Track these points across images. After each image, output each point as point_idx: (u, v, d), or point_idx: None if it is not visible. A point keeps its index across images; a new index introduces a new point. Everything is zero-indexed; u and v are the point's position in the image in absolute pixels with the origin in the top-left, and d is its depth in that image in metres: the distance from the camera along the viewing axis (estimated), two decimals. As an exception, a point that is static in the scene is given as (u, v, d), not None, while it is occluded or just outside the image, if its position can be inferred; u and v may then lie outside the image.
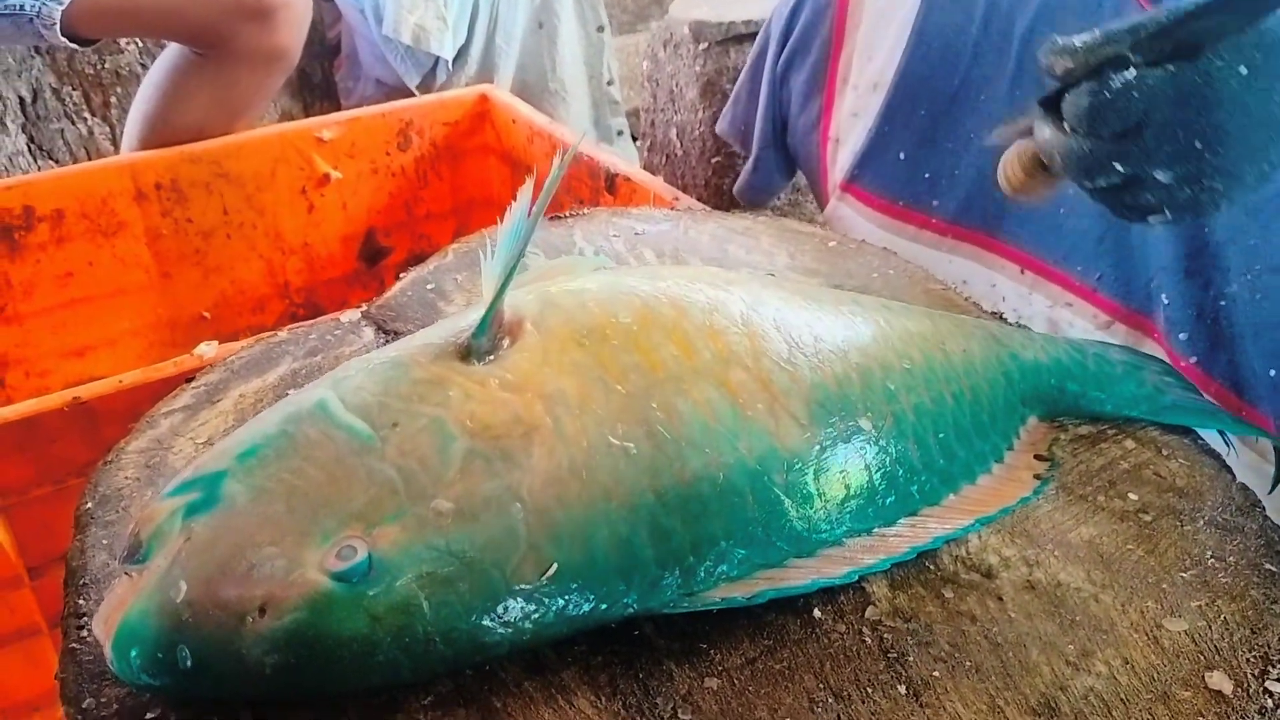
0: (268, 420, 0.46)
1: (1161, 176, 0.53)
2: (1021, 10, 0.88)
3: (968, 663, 0.46)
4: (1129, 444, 0.60)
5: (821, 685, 0.45)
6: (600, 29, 2.06)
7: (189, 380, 0.67)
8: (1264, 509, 0.55)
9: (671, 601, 0.45)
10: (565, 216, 0.84)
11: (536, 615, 0.43)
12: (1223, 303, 0.77)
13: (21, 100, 1.72)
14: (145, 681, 0.41)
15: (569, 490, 0.44)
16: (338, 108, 2.12)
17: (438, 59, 1.93)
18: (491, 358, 0.47)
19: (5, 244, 1.19)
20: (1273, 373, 0.75)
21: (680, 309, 0.50)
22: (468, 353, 0.47)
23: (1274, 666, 0.46)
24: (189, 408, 0.64)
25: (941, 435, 0.53)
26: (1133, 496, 0.56)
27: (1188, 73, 0.53)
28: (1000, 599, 0.49)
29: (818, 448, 0.48)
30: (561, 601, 0.43)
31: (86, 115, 1.74)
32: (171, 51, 1.25)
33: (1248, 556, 0.52)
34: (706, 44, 1.30)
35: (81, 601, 0.51)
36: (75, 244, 1.23)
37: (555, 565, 0.43)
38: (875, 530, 0.50)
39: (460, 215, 1.47)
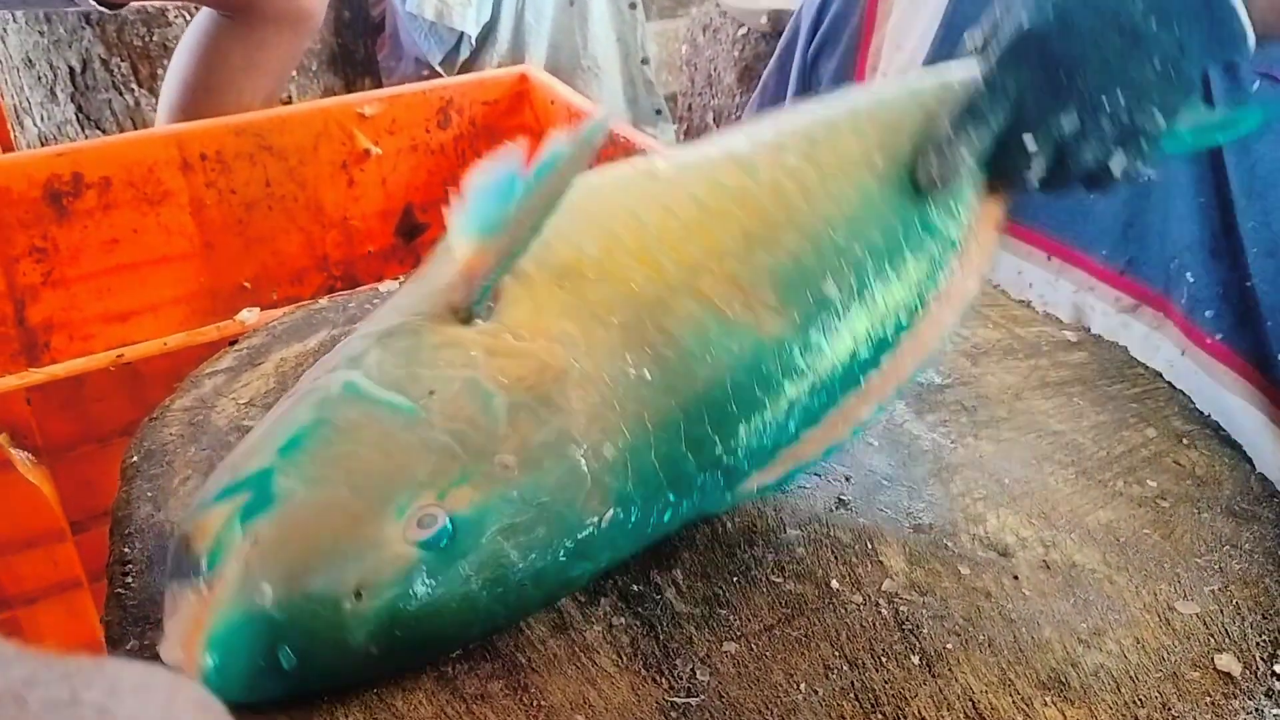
0: (296, 411, 0.45)
1: (1067, 124, 0.53)
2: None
3: (981, 636, 0.47)
4: (1150, 432, 0.60)
5: (837, 653, 0.46)
6: (633, 6, 2.06)
7: (232, 343, 0.69)
8: (1281, 499, 0.56)
9: (715, 500, 0.49)
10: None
11: (609, 541, 0.46)
12: (1248, 282, 0.78)
13: (71, 70, 1.75)
14: (246, 692, 0.40)
15: (611, 423, 0.46)
16: (379, 84, 2.14)
17: (461, 35, 1.94)
18: (483, 313, 0.48)
19: (54, 210, 1.22)
20: None
21: (634, 224, 0.51)
22: (469, 316, 0.48)
23: (1283, 651, 0.47)
24: (232, 369, 0.66)
25: (900, 262, 0.53)
26: (1151, 483, 0.56)
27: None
28: (1016, 577, 0.50)
29: (795, 326, 0.51)
30: (628, 524, 0.46)
31: (134, 86, 1.77)
32: (202, 16, 1.28)
33: (1263, 544, 0.53)
34: (746, 30, 1.30)
35: (126, 550, 0.53)
36: (121, 211, 1.26)
37: (614, 490, 0.45)
38: (868, 376, 0.53)
39: (497, 194, 1.48)
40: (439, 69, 2.02)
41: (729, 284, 0.50)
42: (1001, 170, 0.55)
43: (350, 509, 0.42)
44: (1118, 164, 0.54)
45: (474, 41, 1.98)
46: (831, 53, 1.05)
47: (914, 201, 0.54)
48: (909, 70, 0.96)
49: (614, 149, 1.24)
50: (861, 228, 0.53)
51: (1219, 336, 0.78)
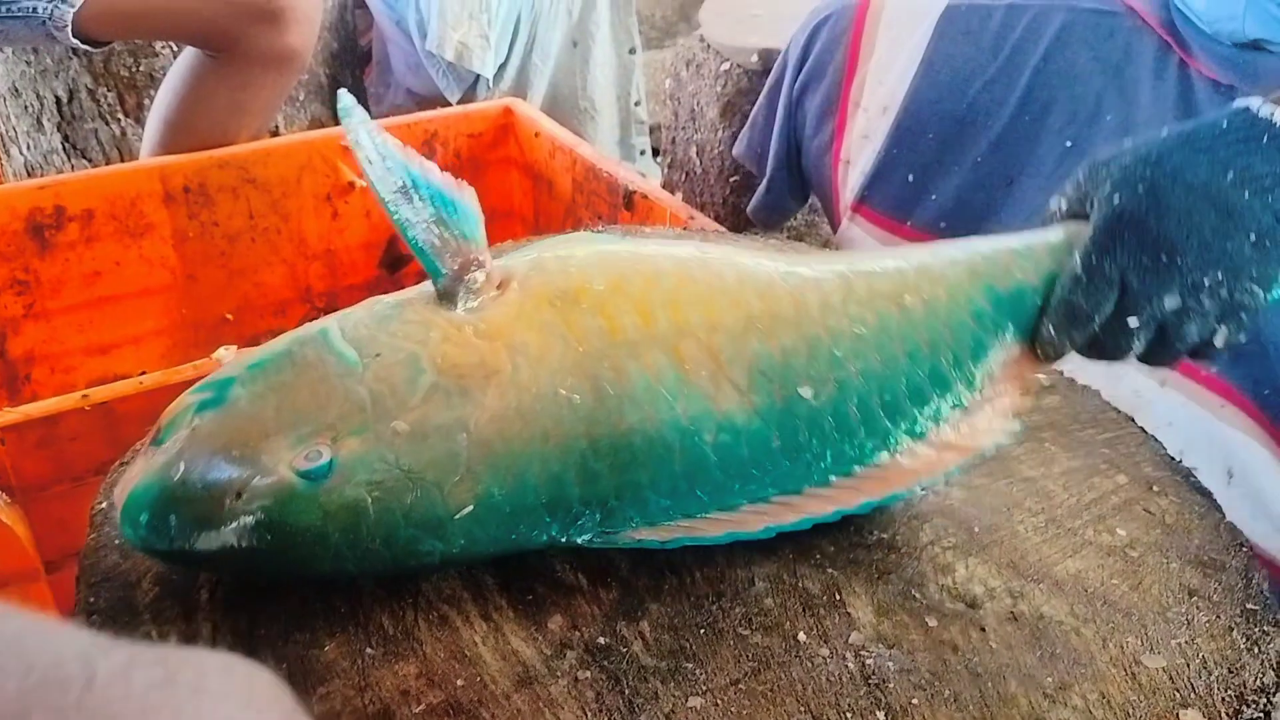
0: (282, 340, 0.53)
1: (1169, 303, 0.52)
2: (1033, 43, 0.90)
3: (946, 691, 0.47)
4: (1120, 478, 0.60)
5: (802, 708, 0.46)
6: (632, 51, 2.09)
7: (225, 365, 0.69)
8: (1249, 548, 0.56)
9: (590, 537, 0.50)
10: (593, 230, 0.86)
11: (465, 531, 0.49)
12: None
13: (58, 100, 1.75)
14: (141, 542, 0.48)
15: (511, 427, 0.49)
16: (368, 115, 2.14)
17: (478, 76, 1.96)
18: (474, 305, 0.52)
19: (36, 242, 1.22)
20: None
21: (651, 281, 0.54)
22: (450, 298, 0.52)
23: (1248, 706, 0.47)
24: (204, 413, 0.66)
25: (889, 398, 0.54)
26: (1121, 532, 0.56)
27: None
28: (983, 629, 0.50)
29: (752, 411, 0.52)
30: (490, 523, 0.49)
31: (120, 116, 1.77)
32: (187, 55, 1.28)
33: (1231, 595, 0.53)
34: (728, 65, 1.31)
35: (92, 599, 0.53)
36: (104, 244, 1.26)
37: (486, 486, 0.48)
38: (805, 490, 0.53)
39: (482, 226, 1.49)
40: (455, 106, 2.03)
41: (707, 354, 0.52)
42: (1102, 348, 0.55)
43: (265, 426, 0.48)
44: (1220, 337, 0.54)
45: (491, 84, 2.00)
46: (816, 89, 1.06)
47: (929, 350, 0.55)
48: (890, 106, 0.97)
49: (598, 184, 1.25)
50: (864, 351, 0.54)
51: (1215, 370, 0.78)
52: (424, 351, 0.50)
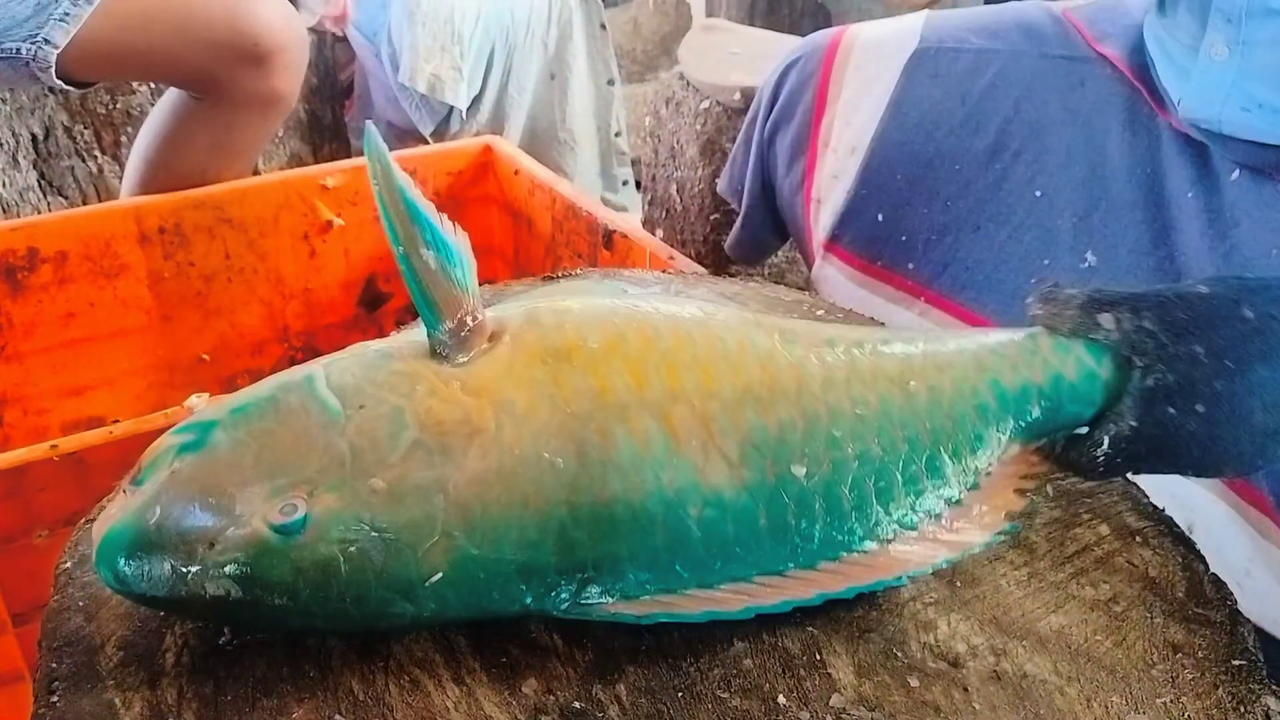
0: (267, 384, 0.52)
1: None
2: (1003, 89, 0.90)
3: (929, 756, 0.46)
4: (1104, 529, 0.60)
5: (782, 775, 0.45)
6: (610, 82, 2.09)
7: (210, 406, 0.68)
8: (1233, 601, 0.55)
9: (565, 607, 0.49)
10: (557, 276, 0.85)
11: (437, 595, 0.48)
12: None
13: (34, 137, 1.74)
14: (114, 584, 0.48)
15: (490, 491, 0.48)
16: (348, 149, 2.14)
17: (452, 108, 1.95)
18: (464, 359, 0.51)
19: (8, 284, 1.20)
20: None
21: (647, 341, 0.53)
22: (441, 349, 0.51)
23: (1235, 768, 0.46)
24: (173, 467, 0.65)
25: (883, 484, 0.53)
26: (1104, 585, 0.56)
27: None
28: (966, 689, 0.49)
29: (741, 487, 0.50)
30: (464, 588, 0.48)
31: (97, 154, 1.76)
32: (170, 95, 1.27)
33: (1216, 651, 0.52)
34: (708, 103, 1.31)
35: (54, 664, 0.52)
36: (77, 285, 1.25)
37: (461, 550, 0.47)
38: (789, 572, 0.51)
39: (461, 264, 1.48)
40: (428, 139, 2.03)
41: (699, 422, 0.51)
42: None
43: (243, 475, 0.48)
44: None
45: (465, 115, 2.00)
46: (787, 129, 1.06)
47: (929, 440, 0.54)
48: (858, 147, 0.97)
49: (577, 223, 1.24)
50: (863, 434, 0.53)
51: None
52: (408, 405, 0.49)
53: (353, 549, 0.47)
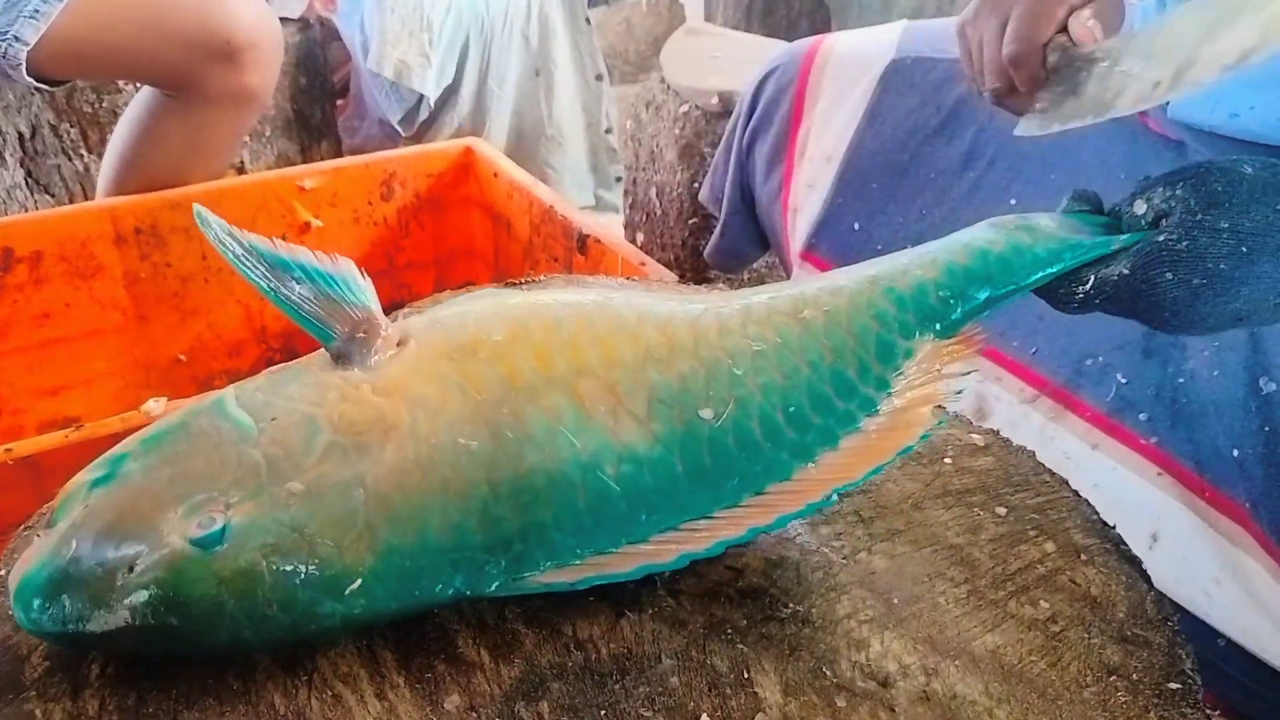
0: (177, 412, 0.53)
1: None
2: (978, 98, 0.89)
3: (850, 779, 0.45)
4: (1049, 546, 0.59)
5: (700, 796, 0.45)
6: (599, 77, 2.07)
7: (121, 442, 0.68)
8: (1174, 623, 0.54)
9: (497, 585, 0.49)
10: (521, 282, 0.85)
11: (365, 590, 0.48)
12: (1180, 380, 0.77)
13: (20, 135, 1.74)
14: (35, 627, 0.47)
15: (410, 480, 0.48)
16: (338, 148, 2.13)
17: (422, 96, 1.94)
18: (371, 364, 0.52)
19: (-17, 284, 1.20)
20: (1236, 452, 0.75)
21: (550, 328, 0.54)
22: (346, 359, 0.52)
23: (1161, 794, 0.45)
24: (115, 474, 0.64)
25: (792, 408, 0.53)
26: (1044, 604, 0.55)
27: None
28: (893, 710, 0.49)
29: (653, 439, 0.51)
30: (391, 580, 0.48)
31: (83, 152, 1.75)
32: (145, 94, 1.27)
33: (1151, 674, 0.51)
34: (687, 107, 1.30)
35: (-18, 675, 0.51)
36: (53, 285, 1.24)
37: (385, 541, 0.48)
38: (716, 513, 0.52)
39: (442, 266, 1.48)
40: (398, 127, 2.01)
41: (606, 390, 0.52)
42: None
43: (158, 498, 0.48)
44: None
45: (432, 104, 1.98)
46: (765, 137, 1.05)
47: (832, 358, 0.55)
48: (833, 156, 0.97)
49: (554, 226, 1.24)
50: (764, 367, 0.54)
51: (1154, 440, 0.77)
52: (320, 412, 0.50)
53: (274, 553, 0.47)
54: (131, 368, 1.32)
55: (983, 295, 0.58)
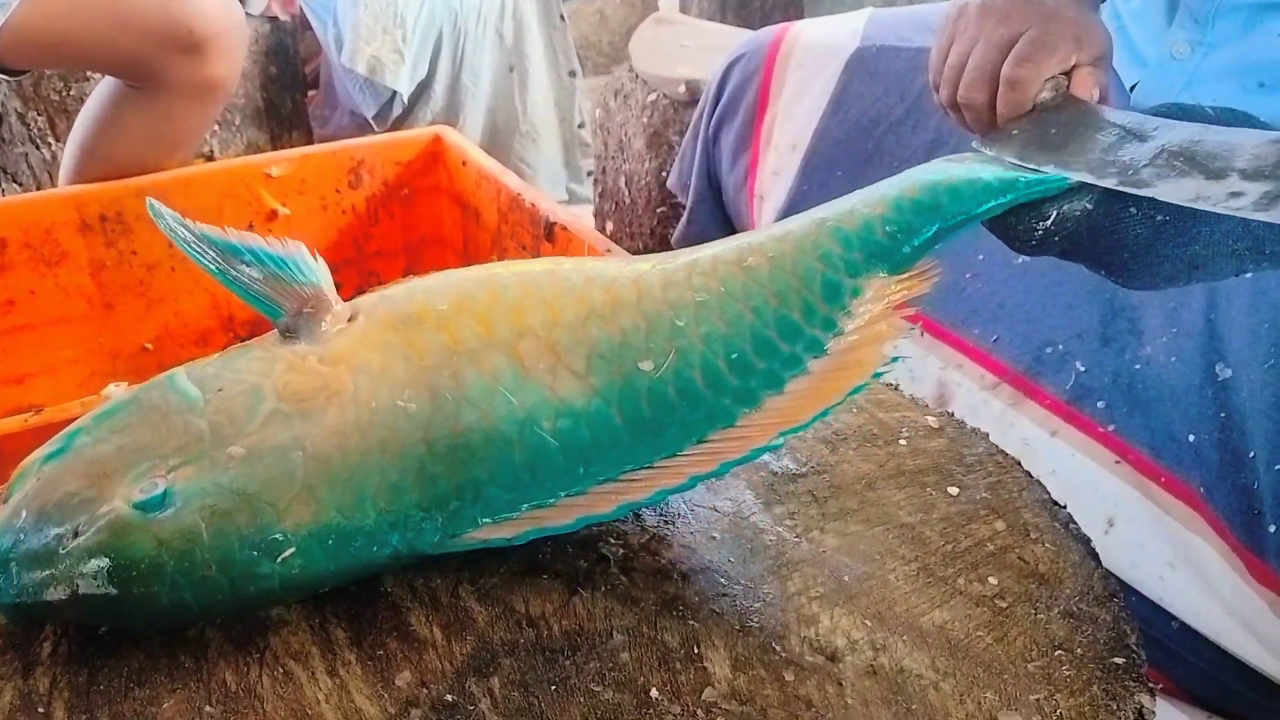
0: (130, 390, 0.54)
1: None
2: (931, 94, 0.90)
3: (795, 750, 0.46)
4: (999, 525, 0.60)
5: (647, 769, 0.45)
6: (572, 74, 2.08)
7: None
8: (1120, 599, 0.55)
9: (436, 540, 0.50)
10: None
11: (304, 550, 0.49)
12: (1137, 366, 0.78)
13: (-14, 123, 1.73)
14: None
15: (348, 441, 0.50)
16: (309, 138, 2.13)
17: (395, 92, 1.94)
18: (319, 338, 0.53)
19: (-54, 271, 1.19)
20: (1192, 438, 0.76)
21: (494, 296, 0.55)
22: (294, 334, 0.54)
23: (1101, 764, 0.46)
24: (71, 456, 0.64)
25: (735, 355, 0.54)
26: (992, 581, 0.56)
27: None
28: (840, 684, 0.49)
29: (591, 393, 0.52)
30: (328, 539, 0.49)
31: (51, 140, 1.75)
32: (107, 83, 1.26)
33: (1095, 649, 0.52)
34: (655, 96, 1.31)
35: (-69, 654, 0.51)
36: (17, 272, 1.23)
37: (323, 501, 0.49)
38: (657, 463, 0.52)
39: (411, 254, 1.48)
40: (372, 123, 2.01)
41: (546, 348, 0.53)
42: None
43: (104, 466, 0.49)
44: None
45: (405, 100, 1.98)
46: (730, 125, 1.06)
47: (776, 302, 0.55)
48: (798, 144, 0.98)
49: (521, 215, 1.24)
50: (706, 316, 0.54)
51: (1111, 428, 0.78)
52: (266, 382, 0.51)
53: (213, 513, 0.48)
54: (97, 356, 1.31)
55: (932, 228, 0.58)
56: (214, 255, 0.54)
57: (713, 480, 0.55)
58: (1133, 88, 0.84)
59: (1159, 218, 0.55)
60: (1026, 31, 0.73)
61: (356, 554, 0.50)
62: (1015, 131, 0.71)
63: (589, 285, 0.55)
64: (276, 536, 0.48)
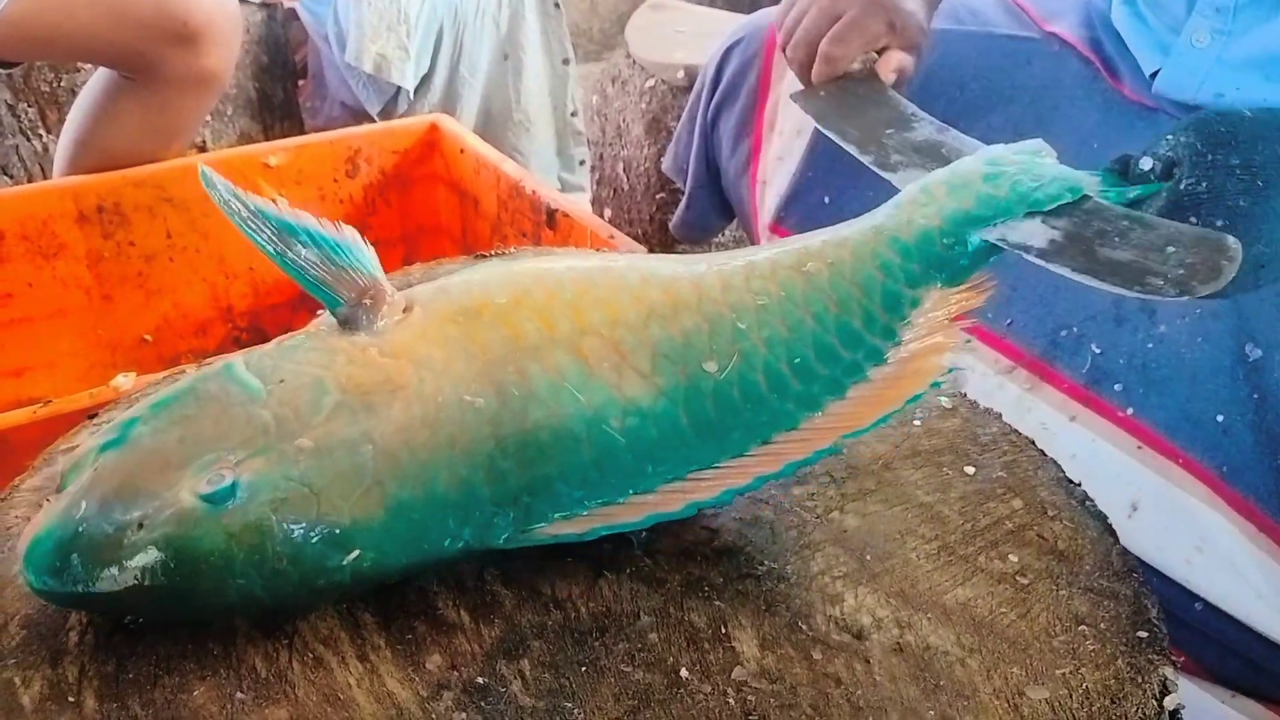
0: (185, 378, 0.54)
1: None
2: (949, 69, 0.91)
3: (827, 727, 0.46)
4: (1016, 503, 0.60)
5: (680, 747, 0.45)
6: (566, 61, 2.07)
7: (91, 416, 0.67)
8: (1139, 575, 0.56)
9: (507, 538, 0.50)
10: (490, 255, 0.85)
11: (374, 543, 0.48)
12: (1150, 345, 0.78)
13: (-23, 115, 1.71)
14: (45, 589, 0.47)
15: (417, 437, 0.49)
16: (300, 128, 2.12)
17: (400, 88, 1.93)
18: (378, 329, 0.53)
19: (-57, 264, 1.19)
20: (1221, 418, 0.76)
21: (553, 291, 0.55)
22: (353, 325, 0.53)
23: (1128, 737, 0.47)
24: (87, 446, 0.64)
25: (798, 360, 0.54)
26: (1013, 558, 0.56)
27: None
28: (868, 661, 0.50)
29: (657, 393, 0.52)
30: (400, 532, 0.49)
31: (42, 132, 1.73)
32: (102, 75, 1.25)
33: (1118, 624, 0.52)
34: (653, 82, 1.31)
35: (-43, 643, 0.51)
36: (14, 265, 1.23)
37: (394, 496, 0.48)
38: (721, 463, 0.53)
39: (409, 243, 1.47)
40: (375, 118, 2.01)
41: (610, 347, 0.53)
42: None
43: (168, 458, 0.48)
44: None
45: (412, 95, 1.98)
46: (731, 110, 1.06)
47: (837, 309, 0.55)
48: (803, 129, 0.98)
49: (521, 202, 1.24)
50: (768, 320, 0.54)
51: (1130, 411, 0.78)
52: (328, 374, 0.51)
53: (283, 507, 0.47)
54: (96, 348, 1.30)
55: (987, 243, 0.58)
56: (270, 234, 0.53)
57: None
58: (1154, 75, 0.84)
59: (1218, 223, 0.56)
60: (849, 11, 0.82)
61: (428, 548, 0.50)
62: (822, 94, 0.84)
63: (645, 285, 0.55)
64: (347, 531, 0.48)
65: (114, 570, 0.46)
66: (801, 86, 0.87)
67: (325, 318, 0.55)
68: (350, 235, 0.55)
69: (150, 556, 0.46)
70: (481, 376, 0.51)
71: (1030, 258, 0.58)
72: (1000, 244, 0.58)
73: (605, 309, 0.54)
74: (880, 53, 0.84)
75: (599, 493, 0.51)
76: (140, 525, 0.47)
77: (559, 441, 0.50)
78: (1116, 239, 0.59)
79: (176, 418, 0.50)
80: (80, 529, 0.47)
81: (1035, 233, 0.59)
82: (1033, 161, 0.62)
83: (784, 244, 0.58)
